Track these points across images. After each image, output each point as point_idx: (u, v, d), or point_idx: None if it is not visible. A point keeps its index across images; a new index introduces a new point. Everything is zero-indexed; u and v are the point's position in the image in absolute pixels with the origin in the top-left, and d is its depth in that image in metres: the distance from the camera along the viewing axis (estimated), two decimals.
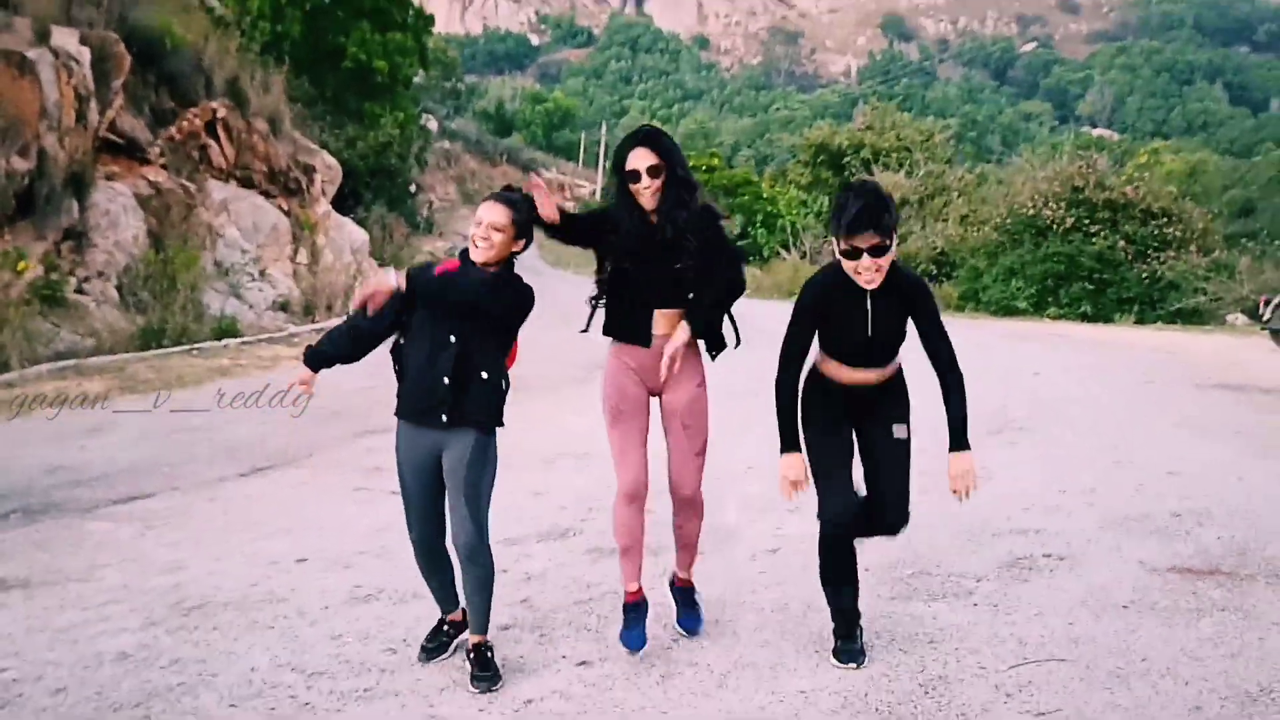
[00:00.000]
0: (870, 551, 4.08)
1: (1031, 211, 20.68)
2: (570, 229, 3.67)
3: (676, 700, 3.31)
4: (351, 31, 30.41)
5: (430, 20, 34.68)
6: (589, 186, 74.95)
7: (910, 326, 3.50)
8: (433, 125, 59.64)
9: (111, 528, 5.64)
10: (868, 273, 3.31)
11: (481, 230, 3.53)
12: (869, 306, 3.41)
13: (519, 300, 3.57)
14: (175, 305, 13.53)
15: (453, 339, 3.51)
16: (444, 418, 3.49)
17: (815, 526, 5.22)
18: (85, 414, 8.92)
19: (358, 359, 3.71)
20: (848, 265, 3.34)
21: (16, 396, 9.52)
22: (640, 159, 3.59)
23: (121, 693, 3.51)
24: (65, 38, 13.91)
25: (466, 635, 3.69)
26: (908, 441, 3.54)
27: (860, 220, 3.26)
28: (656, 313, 3.62)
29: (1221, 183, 54.15)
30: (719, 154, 42.48)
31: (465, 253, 3.65)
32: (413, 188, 37.72)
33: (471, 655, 3.56)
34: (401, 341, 3.66)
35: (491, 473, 3.58)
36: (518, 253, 3.62)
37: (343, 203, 21.16)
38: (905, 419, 3.57)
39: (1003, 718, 3.10)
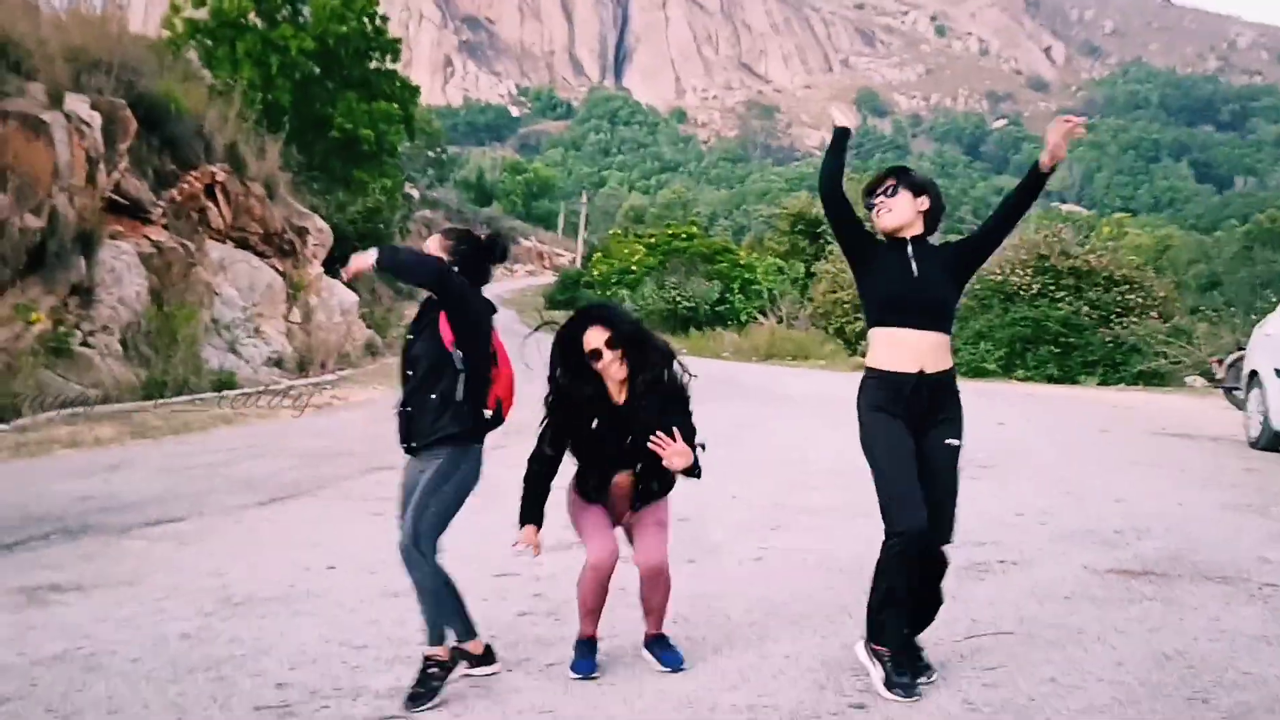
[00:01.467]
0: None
1: (1000, 278, 21.56)
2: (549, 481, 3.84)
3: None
4: (339, 101, 31.27)
5: (416, 91, 35.58)
6: (568, 255, 75.99)
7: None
8: (415, 194, 60.67)
9: (148, 545, 6.12)
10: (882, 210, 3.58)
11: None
12: (910, 253, 3.55)
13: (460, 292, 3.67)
14: (175, 359, 14.03)
15: (410, 373, 3.73)
16: (409, 445, 3.69)
17: (799, 541, 5.81)
18: (102, 453, 9.41)
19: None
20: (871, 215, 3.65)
21: (32, 439, 10.01)
22: (595, 339, 3.73)
23: (192, 660, 4.00)
24: (77, 103, 14.54)
25: (490, 668, 3.80)
26: (959, 449, 3.56)
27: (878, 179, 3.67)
28: (615, 475, 3.79)
29: (1188, 257, 55.69)
30: (697, 221, 43.48)
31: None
32: None
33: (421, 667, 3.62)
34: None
35: (454, 489, 3.65)
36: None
37: (333, 265, 21.76)
38: (959, 428, 3.57)
39: (957, 670, 3.66)
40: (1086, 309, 20.85)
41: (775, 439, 10.63)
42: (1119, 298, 21.12)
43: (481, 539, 5.02)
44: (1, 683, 3.78)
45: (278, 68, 30.15)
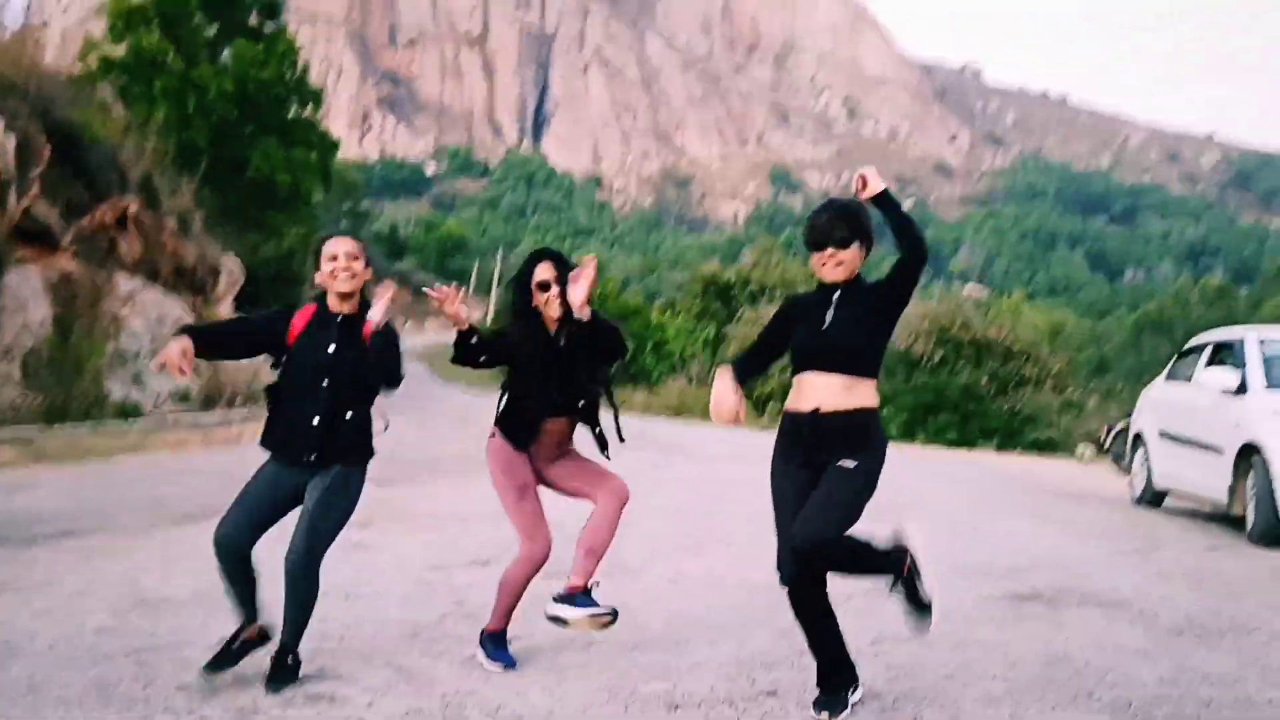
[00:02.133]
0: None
1: (903, 346, 22.25)
2: (475, 343, 3.94)
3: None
4: (257, 145, 31.09)
5: (336, 144, 35.54)
6: (479, 312, 75.93)
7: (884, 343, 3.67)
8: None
9: (55, 555, 6.03)
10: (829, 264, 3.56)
11: (342, 263, 3.77)
12: (834, 301, 3.59)
13: (389, 345, 3.79)
14: (78, 388, 13.75)
15: (325, 383, 3.74)
16: (312, 457, 3.72)
17: (713, 565, 6.00)
18: (6, 475, 9.19)
19: (237, 357, 4.17)
20: (813, 261, 3.64)
21: None
22: (546, 271, 3.94)
23: (111, 648, 4.02)
24: None
25: (259, 649, 3.78)
26: (854, 470, 3.46)
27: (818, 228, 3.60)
28: (548, 421, 3.97)
29: (1079, 341, 57.85)
30: (613, 280, 43.95)
31: (320, 298, 3.89)
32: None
33: (273, 658, 3.70)
34: (277, 377, 3.89)
35: (347, 506, 3.78)
36: (370, 283, 3.90)
37: (243, 305, 21.56)
38: (862, 457, 3.50)
39: (867, 664, 3.87)
40: (985, 379, 21.62)
41: (686, 480, 10.85)
42: (1016, 370, 21.96)
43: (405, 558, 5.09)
44: None
45: (195, 108, 29.85)
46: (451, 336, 4.02)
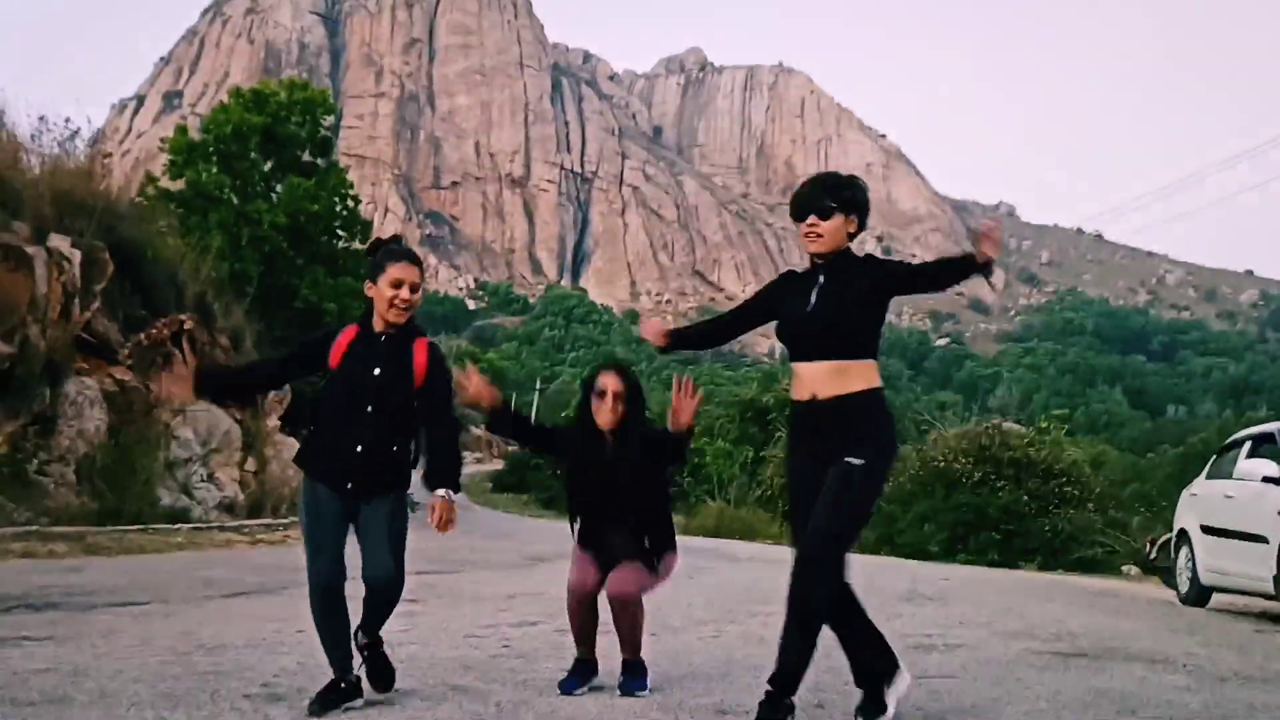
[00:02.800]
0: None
1: (942, 464, 22.19)
2: (517, 423, 4.20)
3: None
4: (305, 274, 31.99)
5: None
6: (516, 443, 76.18)
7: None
8: None
9: (114, 618, 6.21)
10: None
11: (404, 294, 3.66)
12: (818, 281, 3.53)
13: (444, 372, 3.77)
14: (130, 493, 14.04)
15: (369, 409, 3.64)
16: (350, 486, 3.64)
17: (751, 628, 6.05)
18: (58, 561, 9.41)
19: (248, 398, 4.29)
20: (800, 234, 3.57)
21: None
22: (607, 380, 4.01)
23: (177, 672, 4.17)
24: (59, 241, 15.00)
25: (356, 701, 3.67)
26: (858, 468, 3.30)
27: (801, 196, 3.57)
28: (607, 528, 4.06)
29: (1122, 477, 56.96)
30: (651, 410, 44.33)
31: (364, 319, 3.78)
32: None
33: (366, 655, 3.74)
34: (319, 394, 3.84)
35: (405, 525, 3.77)
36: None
37: (289, 423, 22.00)
38: (867, 448, 3.34)
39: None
40: (1026, 498, 21.44)
41: (726, 578, 10.87)
42: (1057, 489, 21.77)
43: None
44: None
45: (248, 239, 30.95)
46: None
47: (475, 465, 67.52)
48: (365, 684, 3.70)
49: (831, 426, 3.38)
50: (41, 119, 17.95)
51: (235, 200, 31.76)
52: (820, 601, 3.30)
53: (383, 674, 3.75)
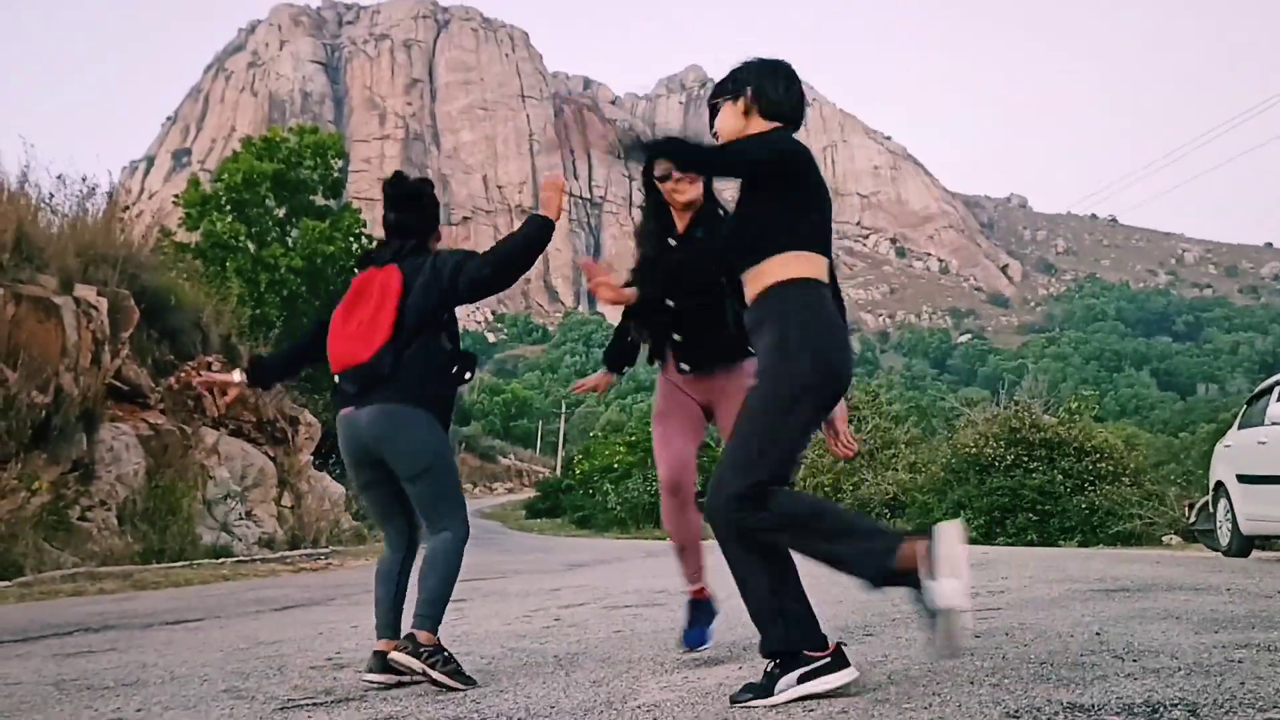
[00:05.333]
0: None
1: (974, 450, 22.16)
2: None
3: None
4: (326, 316, 32.31)
5: None
6: (546, 470, 76.43)
7: None
8: None
9: (171, 633, 6.34)
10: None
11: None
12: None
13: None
14: (170, 533, 14.24)
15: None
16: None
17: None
18: (108, 597, 9.57)
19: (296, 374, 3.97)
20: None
21: (36, 590, 10.17)
22: (662, 166, 3.54)
23: (242, 656, 4.29)
24: (86, 290, 15.27)
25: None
26: (754, 386, 2.80)
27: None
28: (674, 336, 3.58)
29: (1156, 456, 56.52)
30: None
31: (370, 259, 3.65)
32: None
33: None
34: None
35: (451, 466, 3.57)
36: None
37: (321, 456, 22.24)
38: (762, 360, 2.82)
39: None
40: (1060, 477, 21.38)
41: None
42: (1091, 466, 21.69)
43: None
44: (64, 669, 4.05)
45: (266, 284, 31.34)
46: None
47: (507, 495, 67.76)
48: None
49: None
50: (59, 178, 18.31)
51: (251, 247, 32.17)
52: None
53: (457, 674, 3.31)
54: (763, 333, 2.78)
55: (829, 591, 4.86)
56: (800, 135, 2.96)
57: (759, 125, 2.93)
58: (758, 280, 2.82)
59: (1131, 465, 22.94)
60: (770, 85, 2.97)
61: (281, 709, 3.06)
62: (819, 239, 2.85)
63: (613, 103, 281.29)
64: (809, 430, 2.78)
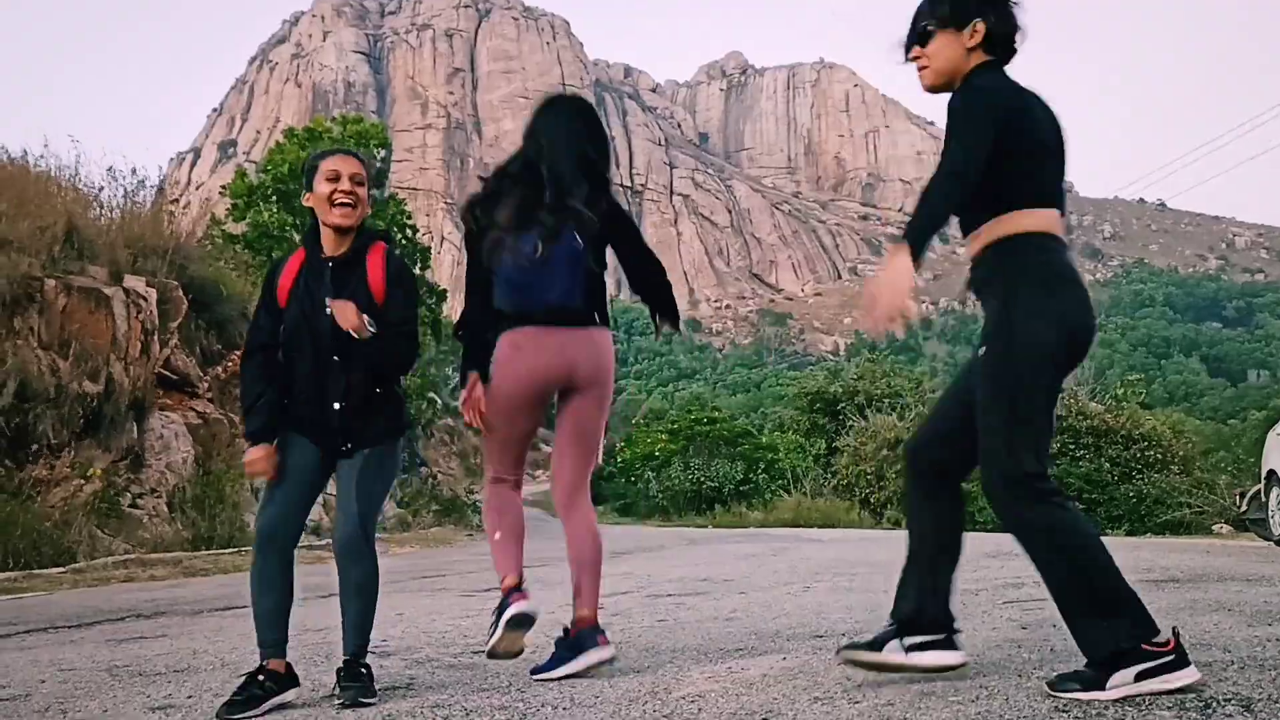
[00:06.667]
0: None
1: None
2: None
3: None
4: None
5: (443, 296, 37.04)
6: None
7: None
8: (438, 400, 61.84)
9: (222, 620, 6.44)
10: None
11: (345, 185, 3.13)
12: None
13: (406, 297, 3.21)
14: (220, 520, 14.44)
15: (335, 358, 3.13)
16: (342, 446, 3.20)
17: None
18: (159, 584, 9.74)
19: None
20: None
21: (89, 577, 10.36)
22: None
23: (293, 641, 4.35)
24: (135, 281, 15.50)
25: (287, 694, 3.17)
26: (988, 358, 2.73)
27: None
28: None
29: (1205, 444, 55.68)
30: (722, 415, 44.46)
31: (312, 236, 3.22)
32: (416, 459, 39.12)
33: (342, 670, 3.18)
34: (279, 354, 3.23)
35: (384, 489, 3.30)
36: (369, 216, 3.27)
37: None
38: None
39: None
40: (1107, 465, 21.15)
41: (810, 553, 10.92)
42: (1139, 454, 21.44)
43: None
44: (116, 655, 4.12)
45: None
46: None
47: (547, 483, 68.18)
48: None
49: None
50: (109, 171, 18.57)
51: (297, 238, 32.40)
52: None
53: (351, 693, 3.08)
54: (990, 292, 2.72)
55: (870, 580, 4.85)
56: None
57: (978, 59, 2.76)
58: (980, 238, 2.76)
59: (1180, 453, 22.67)
60: (1002, 17, 2.76)
61: (330, 697, 3.09)
62: (1048, 191, 2.74)
63: (653, 90, 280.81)
64: (1053, 395, 2.68)
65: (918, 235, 2.64)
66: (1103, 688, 2.42)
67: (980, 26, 2.72)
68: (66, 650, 4.92)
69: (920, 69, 2.81)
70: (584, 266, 3.23)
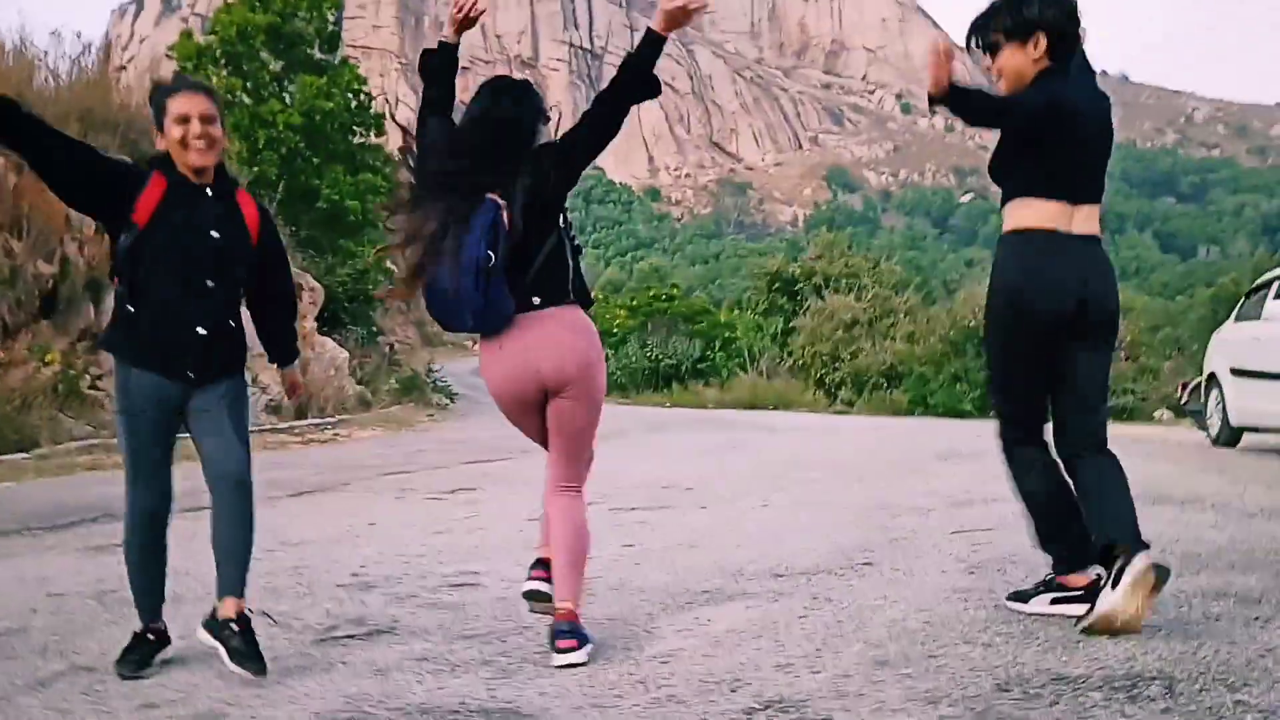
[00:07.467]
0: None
1: (972, 323, 22.31)
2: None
3: None
4: (325, 174, 32.00)
5: (398, 164, 36.41)
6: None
7: None
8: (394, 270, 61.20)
9: (190, 523, 6.54)
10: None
11: (196, 129, 3.03)
12: None
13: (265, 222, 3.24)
14: None
15: (210, 283, 3.05)
16: (196, 375, 3.10)
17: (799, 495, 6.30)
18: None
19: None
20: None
21: (54, 464, 10.44)
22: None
23: (270, 568, 4.49)
24: None
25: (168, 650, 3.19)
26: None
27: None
28: None
29: (1153, 321, 56.74)
30: (678, 286, 44.47)
31: (161, 161, 3.13)
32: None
33: (234, 626, 3.00)
34: (127, 259, 3.10)
35: (247, 418, 3.29)
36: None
37: (326, 325, 22.43)
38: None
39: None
40: None
41: (767, 448, 11.21)
42: None
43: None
44: (101, 571, 4.26)
45: (264, 142, 30.91)
46: None
47: None
48: (229, 664, 2.93)
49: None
50: (54, 33, 17.96)
51: (249, 102, 31.63)
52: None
53: (253, 650, 2.96)
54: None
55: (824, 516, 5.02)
56: None
57: (1042, 65, 3.01)
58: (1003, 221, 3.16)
59: (1128, 337, 23.16)
60: (1069, 30, 3.00)
61: (320, 641, 3.25)
62: (1066, 183, 2.99)
63: None
64: (1024, 361, 3.14)
65: (960, 88, 2.87)
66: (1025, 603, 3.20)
67: (1043, 41, 2.97)
68: (48, 561, 5.05)
69: (995, 79, 3.10)
70: (500, 270, 2.90)
